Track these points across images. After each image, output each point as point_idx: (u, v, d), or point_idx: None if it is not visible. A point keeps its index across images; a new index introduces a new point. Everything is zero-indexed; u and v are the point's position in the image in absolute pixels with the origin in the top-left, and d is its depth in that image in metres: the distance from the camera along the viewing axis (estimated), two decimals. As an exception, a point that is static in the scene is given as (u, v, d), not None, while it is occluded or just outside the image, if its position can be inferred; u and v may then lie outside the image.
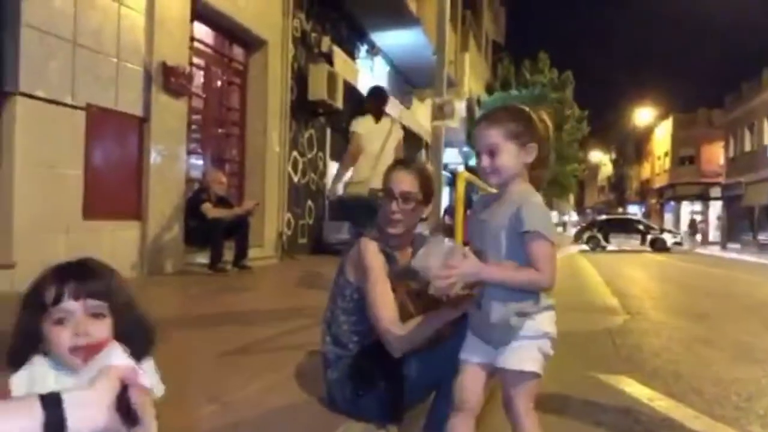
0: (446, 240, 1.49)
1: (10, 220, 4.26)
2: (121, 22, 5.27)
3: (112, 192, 5.29)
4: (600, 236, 24.57)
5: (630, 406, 2.75)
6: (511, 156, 1.51)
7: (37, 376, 1.05)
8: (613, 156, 61.85)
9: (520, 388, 1.53)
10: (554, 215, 51.39)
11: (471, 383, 1.61)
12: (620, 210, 47.13)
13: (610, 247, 23.80)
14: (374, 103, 5.20)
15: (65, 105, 4.67)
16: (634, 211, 45.51)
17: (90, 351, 1.03)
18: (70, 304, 1.04)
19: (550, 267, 1.47)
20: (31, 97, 4.36)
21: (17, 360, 1.07)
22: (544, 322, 1.57)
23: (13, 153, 4.27)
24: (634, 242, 24.03)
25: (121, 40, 5.28)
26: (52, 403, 0.75)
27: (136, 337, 1.12)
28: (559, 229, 47.87)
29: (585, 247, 24.42)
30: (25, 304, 1.07)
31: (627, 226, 25.13)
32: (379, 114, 5.09)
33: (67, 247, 4.61)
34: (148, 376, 0.91)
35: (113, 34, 5.19)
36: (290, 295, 5.00)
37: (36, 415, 0.73)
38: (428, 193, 2.00)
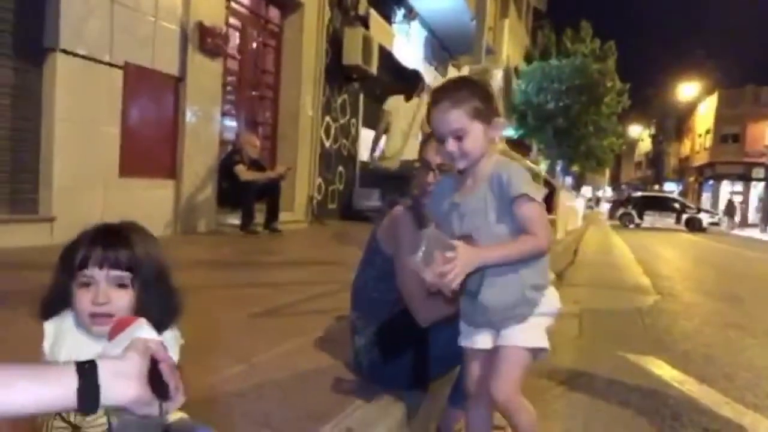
0: (436, 232, 1.38)
1: (50, 175, 4.37)
2: (159, -20, 5.26)
3: (148, 151, 5.36)
4: (634, 213, 24.12)
5: (658, 388, 2.71)
6: (478, 136, 1.40)
7: (64, 328, 1.08)
8: (653, 131, 60.07)
9: (519, 367, 1.48)
10: (588, 190, 50.50)
11: (479, 370, 1.57)
12: (657, 187, 45.97)
13: (644, 225, 23.35)
14: (407, 84, 5.67)
15: (103, 63, 4.71)
16: (671, 189, 44.38)
17: (109, 319, 1.04)
18: (94, 271, 1.05)
19: (544, 228, 1.41)
20: (70, 54, 4.40)
21: (48, 312, 1.10)
22: (553, 296, 1.53)
23: (54, 109, 4.34)
24: (669, 221, 23.53)
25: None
26: (88, 371, 0.75)
27: (161, 309, 1.13)
28: (591, 204, 46.97)
29: (617, 223, 24.02)
30: (60, 262, 1.09)
31: (662, 204, 24.60)
32: (410, 95, 5.53)
33: (104, 203, 4.72)
34: (173, 352, 0.92)
35: (151, -7, 5.19)
36: (319, 260, 5.04)
37: (71, 382, 0.73)
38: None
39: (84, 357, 0.82)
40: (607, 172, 56.45)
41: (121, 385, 0.77)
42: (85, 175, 4.63)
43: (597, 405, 2.46)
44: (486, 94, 1.42)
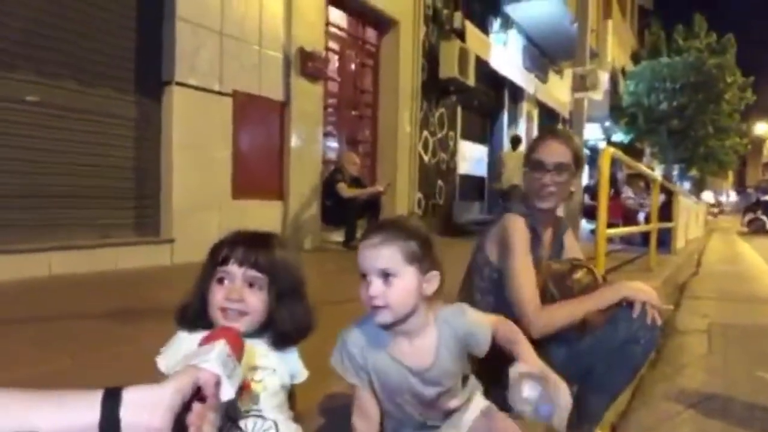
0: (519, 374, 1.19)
1: (169, 200, 4.70)
2: (262, 11, 5.54)
3: (258, 173, 5.63)
4: (765, 218, 21.87)
5: (809, 414, 2.38)
6: (410, 285, 1.16)
7: (182, 348, 1.09)
8: (783, 128, 54.38)
9: None
10: (709, 195, 46.70)
11: None
12: (790, 189, 41.43)
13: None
14: (514, 142, 9.88)
15: (214, 92, 5.02)
16: (809, 190, 39.79)
17: (240, 317, 1.08)
18: (232, 268, 1.09)
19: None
20: (184, 85, 4.74)
21: (184, 316, 1.13)
22: None
23: (171, 137, 4.68)
24: (807, 226, 21.08)
25: (263, 28, 5.56)
26: (110, 402, 0.72)
27: (292, 321, 1.14)
28: (714, 210, 43.27)
29: (745, 230, 21.91)
30: (204, 262, 1.14)
31: (797, 208, 22.10)
32: (515, 146, 9.67)
33: (219, 225, 4.99)
34: (229, 389, 0.85)
35: (255, 23, 5.48)
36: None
37: (93, 413, 0.70)
38: (579, 162, 1.86)
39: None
40: (731, 175, 51.82)
41: (146, 416, 0.72)
42: (201, 199, 4.93)
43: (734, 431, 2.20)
44: (426, 240, 1.20)
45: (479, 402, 1.34)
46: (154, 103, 4.69)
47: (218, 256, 1.11)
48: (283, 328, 1.13)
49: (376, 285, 1.14)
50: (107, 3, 4.39)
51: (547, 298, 1.71)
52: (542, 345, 1.70)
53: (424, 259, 1.18)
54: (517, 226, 1.77)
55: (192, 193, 4.85)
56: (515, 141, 9.86)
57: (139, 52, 4.60)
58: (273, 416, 1.08)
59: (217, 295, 1.09)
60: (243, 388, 1.04)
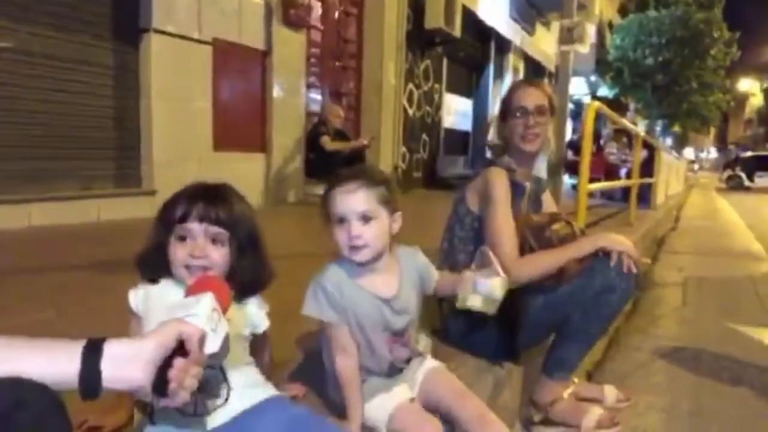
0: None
1: (150, 151, 4.62)
2: (242, -46, 5.33)
3: (239, 125, 5.54)
4: (743, 175, 22.25)
5: (775, 363, 2.49)
6: (384, 225, 1.29)
7: (154, 293, 1.12)
8: (765, 85, 54.69)
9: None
10: (690, 151, 47.13)
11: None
12: (770, 146, 41.99)
13: (755, 188, 21.51)
14: None
15: (193, 40, 4.87)
16: (788, 147, 40.36)
17: (203, 273, 1.08)
18: (193, 225, 1.09)
19: None
20: (162, 33, 4.58)
21: (145, 266, 1.14)
22: None
23: (150, 87, 4.57)
24: (784, 183, 21.51)
25: (243, -27, 5.36)
26: (92, 354, 0.71)
27: (253, 273, 1.16)
28: (695, 167, 43.78)
29: (723, 186, 22.30)
30: (158, 217, 1.13)
31: (776, 165, 22.48)
32: None
33: (200, 177, 4.91)
34: (214, 343, 0.86)
35: (236, -32, 5.28)
36: (404, 228, 5.03)
37: (74, 363, 0.70)
38: (553, 107, 1.97)
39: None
40: (712, 132, 52.23)
41: (127, 369, 0.72)
42: (182, 150, 4.85)
43: (705, 381, 2.29)
44: (391, 185, 1.33)
45: (430, 362, 1.46)
46: (132, 51, 4.54)
47: (175, 212, 1.10)
48: (244, 280, 1.15)
49: (357, 226, 1.24)
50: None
51: (525, 249, 1.75)
52: (519, 294, 1.74)
53: (391, 201, 1.30)
54: (498, 179, 1.82)
55: (173, 144, 4.77)
56: None
57: (115, -1, 4.43)
58: (220, 363, 1.09)
59: (179, 253, 1.09)
60: None
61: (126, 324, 1.15)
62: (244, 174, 5.55)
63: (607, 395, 1.98)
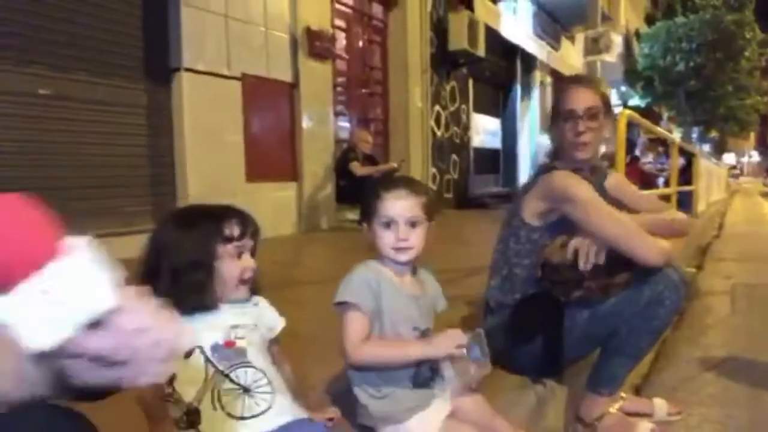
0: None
1: (185, 185, 4.74)
2: (266, -9, 5.50)
3: (270, 155, 5.64)
4: (789, 177, 21.48)
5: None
6: (424, 232, 1.36)
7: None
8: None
9: None
10: (730, 157, 45.80)
11: None
12: (816, 146, 40.43)
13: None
14: None
15: (222, 76, 5.01)
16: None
17: (248, 284, 1.23)
18: (248, 241, 1.20)
19: None
20: (193, 71, 4.73)
21: (193, 291, 1.14)
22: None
23: (183, 124, 4.70)
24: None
25: (268, 9, 5.51)
26: None
27: (258, 275, 1.27)
28: (736, 171, 42.45)
29: (767, 189, 21.54)
30: (203, 237, 1.17)
31: (825, 165, 21.64)
32: None
33: (234, 209, 5.03)
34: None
35: (260, 4, 5.43)
36: (435, 250, 5.00)
37: None
38: (609, 105, 1.83)
39: None
40: (752, 136, 50.66)
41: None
42: (215, 184, 4.96)
43: (760, 392, 2.17)
44: (431, 196, 1.41)
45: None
46: (164, 91, 4.70)
47: (233, 230, 1.17)
48: (257, 280, 1.26)
49: (405, 230, 1.32)
50: (111, -7, 4.39)
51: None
52: (564, 308, 1.69)
53: (431, 211, 1.37)
54: (569, 177, 1.71)
55: (207, 178, 4.88)
56: None
57: (146, 41, 4.59)
58: (262, 366, 1.15)
59: (235, 270, 1.17)
60: (228, 345, 1.12)
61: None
62: (277, 203, 5.63)
63: (657, 409, 1.90)
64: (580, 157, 1.78)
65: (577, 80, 1.93)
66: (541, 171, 1.83)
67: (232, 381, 1.09)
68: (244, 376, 1.11)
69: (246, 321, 1.18)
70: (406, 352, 1.29)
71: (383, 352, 1.28)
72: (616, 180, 1.99)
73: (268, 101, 5.63)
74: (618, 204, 1.81)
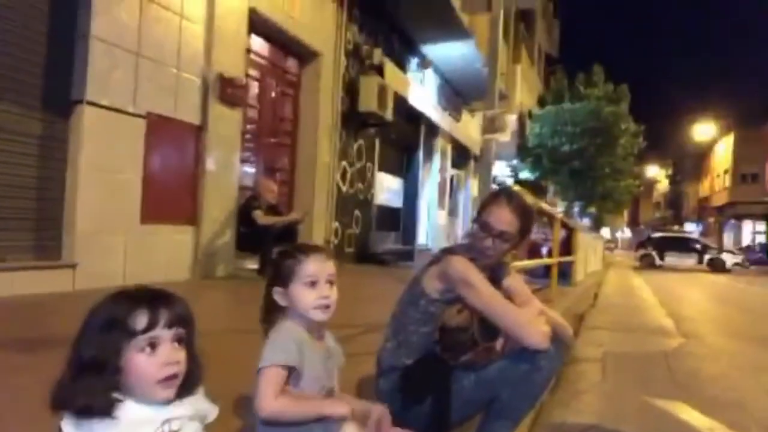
0: None
1: (73, 221, 4.46)
2: (182, 34, 5.47)
3: (169, 197, 5.46)
4: (654, 254, 23.80)
5: (687, 435, 2.62)
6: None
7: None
8: (670, 172, 59.79)
9: None
10: (606, 231, 49.99)
11: None
12: (676, 228, 45.36)
13: (665, 266, 22.99)
14: None
15: (126, 113, 4.86)
16: (692, 229, 43.75)
17: (176, 381, 1.01)
18: (163, 332, 0.99)
19: None
20: (96, 105, 4.56)
21: (85, 393, 0.96)
22: None
23: (78, 158, 4.47)
24: (691, 261, 23.17)
25: (182, 51, 5.48)
26: None
27: (196, 366, 1.09)
28: (611, 245, 46.43)
29: (638, 264, 23.68)
30: (103, 328, 0.98)
31: (683, 245, 24.30)
32: None
33: (125, 250, 4.78)
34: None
35: (174, 46, 5.39)
36: (345, 304, 5.02)
37: None
38: (525, 231, 1.96)
39: None
40: (625, 214, 55.96)
41: None
42: (107, 222, 4.71)
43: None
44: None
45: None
46: (62, 122, 4.47)
47: (136, 322, 0.97)
48: (193, 373, 1.08)
49: (327, 289, 1.42)
50: (14, 15, 4.18)
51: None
52: (451, 371, 1.79)
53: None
54: (468, 266, 1.86)
55: (97, 215, 4.63)
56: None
57: (48, 69, 4.39)
58: None
59: (151, 367, 0.98)
60: None
61: (43, 404, 1.00)
62: (172, 247, 5.42)
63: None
64: (484, 263, 1.94)
65: (508, 197, 1.97)
66: (446, 251, 1.98)
67: None
68: None
69: (181, 412, 1.05)
70: (313, 409, 1.32)
71: (292, 408, 1.31)
72: (514, 280, 2.12)
73: (173, 142, 5.51)
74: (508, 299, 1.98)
